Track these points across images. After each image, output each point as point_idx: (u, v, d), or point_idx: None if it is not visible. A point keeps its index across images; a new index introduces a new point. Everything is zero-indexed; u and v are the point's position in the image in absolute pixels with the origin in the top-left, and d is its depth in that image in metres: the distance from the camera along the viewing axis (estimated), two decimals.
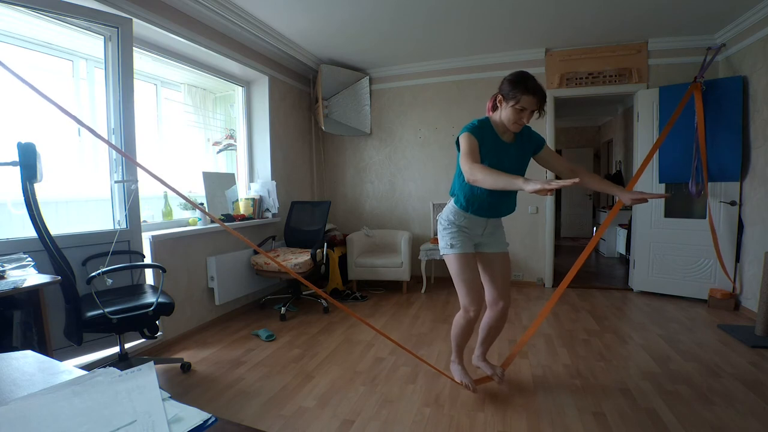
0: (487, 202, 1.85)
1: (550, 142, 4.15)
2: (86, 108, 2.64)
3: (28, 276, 1.72)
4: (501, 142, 1.84)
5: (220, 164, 3.87)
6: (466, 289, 1.89)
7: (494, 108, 1.85)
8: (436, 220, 2.12)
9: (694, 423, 1.77)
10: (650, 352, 2.56)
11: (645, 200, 1.66)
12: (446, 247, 1.95)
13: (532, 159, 1.96)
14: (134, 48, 2.54)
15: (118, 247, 2.39)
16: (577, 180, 1.32)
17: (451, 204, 1.98)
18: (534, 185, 1.36)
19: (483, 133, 1.79)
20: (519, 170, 1.88)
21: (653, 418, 1.82)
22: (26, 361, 0.75)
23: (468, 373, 2.08)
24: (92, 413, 0.55)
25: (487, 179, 1.56)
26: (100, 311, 1.91)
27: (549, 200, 4.23)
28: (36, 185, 1.86)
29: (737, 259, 3.43)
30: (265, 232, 3.90)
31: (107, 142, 1.67)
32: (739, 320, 3.14)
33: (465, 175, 1.67)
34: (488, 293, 2.04)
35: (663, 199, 3.78)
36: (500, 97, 1.78)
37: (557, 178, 1.99)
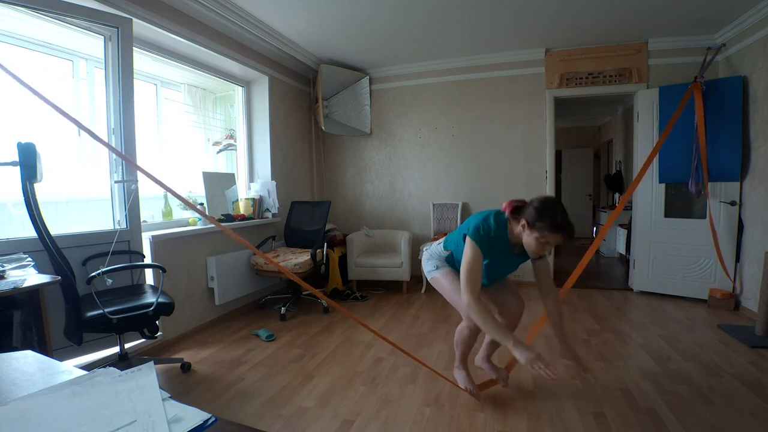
0: (484, 276, 1.82)
1: (550, 143, 4.16)
2: (86, 108, 2.64)
3: (28, 276, 1.72)
4: (509, 251, 1.78)
5: (220, 164, 3.88)
6: None
7: (513, 211, 1.74)
8: (422, 250, 2.11)
9: (694, 423, 1.77)
10: (650, 352, 2.56)
11: (569, 360, 1.76)
12: (433, 270, 1.95)
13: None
14: (134, 48, 2.54)
15: (118, 247, 2.39)
16: (554, 377, 1.38)
17: (442, 250, 1.97)
18: (523, 357, 1.39)
19: (493, 243, 1.71)
20: (515, 268, 1.90)
21: (653, 418, 1.82)
22: (26, 361, 0.75)
23: (472, 378, 2.05)
24: (92, 413, 0.55)
25: (480, 322, 1.57)
26: (100, 311, 1.91)
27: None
28: (36, 185, 1.86)
29: (737, 259, 3.43)
30: (265, 232, 3.90)
31: (106, 144, 1.67)
32: (739, 320, 3.14)
33: (462, 298, 1.66)
34: (499, 308, 2.01)
35: (663, 200, 3.78)
36: (524, 221, 1.63)
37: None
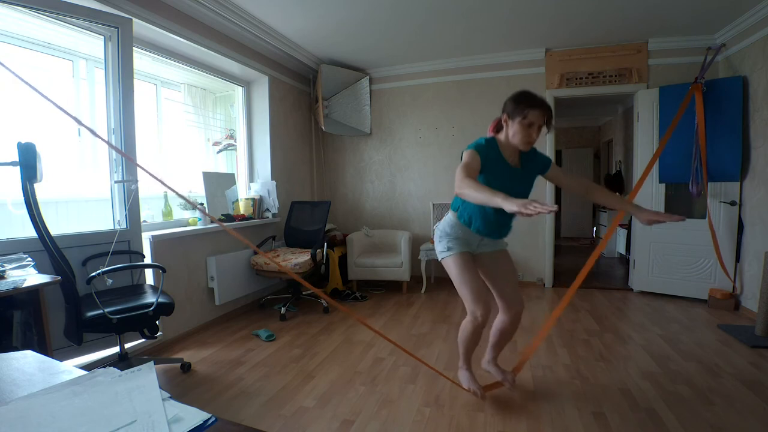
0: (488, 221, 1.82)
1: (550, 142, 4.15)
2: (86, 108, 2.64)
3: (28, 276, 1.72)
4: (507, 166, 1.80)
5: (220, 164, 3.87)
6: (470, 292, 1.84)
7: (497, 130, 1.81)
8: (434, 229, 2.10)
9: (694, 423, 1.77)
10: (650, 352, 2.56)
11: (662, 221, 1.61)
12: (444, 251, 1.92)
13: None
14: (134, 48, 2.54)
15: (118, 247, 2.39)
16: (554, 208, 1.24)
17: (450, 217, 1.96)
18: (511, 205, 1.31)
19: (488, 153, 1.74)
20: (524, 192, 1.87)
21: (653, 418, 1.82)
22: (26, 361, 0.75)
23: (476, 379, 2.03)
24: (92, 413, 0.55)
25: (470, 193, 1.51)
26: (100, 311, 1.91)
27: (549, 200, 4.23)
28: (36, 185, 1.86)
29: (737, 259, 3.43)
30: (265, 232, 3.90)
31: (107, 142, 1.67)
32: (739, 320, 3.14)
33: (456, 184, 1.61)
34: (499, 302, 2.01)
35: (663, 200, 3.78)
36: (505, 116, 1.75)
37: (557, 193, 1.96)
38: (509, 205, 1.31)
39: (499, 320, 2.06)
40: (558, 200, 7.78)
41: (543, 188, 4.18)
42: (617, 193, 1.85)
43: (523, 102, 1.68)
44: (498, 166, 1.77)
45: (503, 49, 4.09)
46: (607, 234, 2.15)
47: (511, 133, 1.73)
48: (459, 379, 2.10)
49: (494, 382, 2.10)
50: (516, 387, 2.13)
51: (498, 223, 1.85)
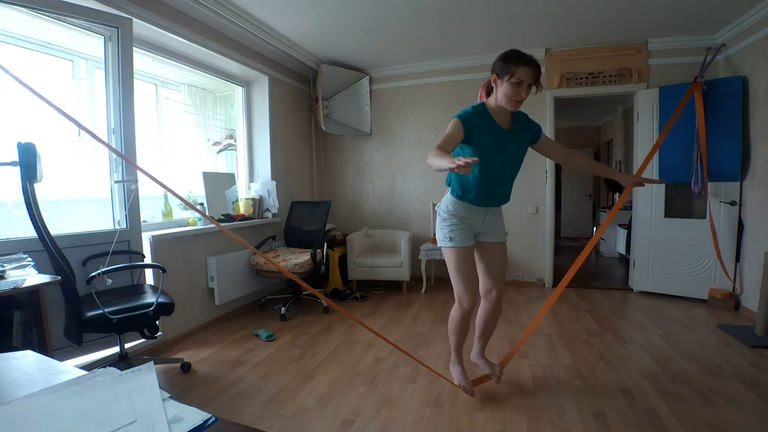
0: (482, 188, 1.83)
1: None
2: (86, 108, 2.64)
3: (28, 276, 1.72)
4: (498, 129, 1.80)
5: (220, 164, 3.87)
6: (462, 281, 1.89)
7: (488, 93, 1.82)
8: (436, 212, 2.10)
9: (694, 423, 1.77)
10: (650, 352, 2.56)
11: (642, 184, 1.81)
12: (445, 240, 1.93)
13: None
14: (134, 48, 2.54)
15: (118, 247, 2.39)
16: (475, 160, 1.30)
17: (448, 195, 1.96)
18: (447, 162, 1.36)
19: (477, 120, 1.74)
20: (518, 157, 1.88)
21: (653, 418, 1.82)
22: (26, 361, 0.75)
23: (467, 376, 2.05)
24: (92, 413, 0.55)
25: (431, 161, 1.51)
26: (100, 311, 1.91)
27: (549, 200, 4.23)
28: (36, 185, 1.86)
29: (737, 259, 3.43)
30: (265, 232, 3.90)
31: (106, 144, 1.67)
32: (739, 320, 3.14)
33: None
34: (482, 283, 2.03)
35: (663, 199, 3.78)
36: (494, 77, 1.74)
37: (557, 166, 2.02)
38: (451, 162, 1.35)
39: (481, 308, 2.08)
40: (558, 200, 7.77)
41: (543, 186, 4.18)
42: (599, 166, 2.00)
43: (512, 60, 1.67)
44: (489, 131, 1.77)
45: (503, 49, 4.03)
46: (605, 222, 2.14)
47: (500, 93, 1.72)
48: (450, 373, 2.11)
49: (482, 375, 2.12)
50: (511, 385, 2.14)
51: (486, 190, 1.85)
